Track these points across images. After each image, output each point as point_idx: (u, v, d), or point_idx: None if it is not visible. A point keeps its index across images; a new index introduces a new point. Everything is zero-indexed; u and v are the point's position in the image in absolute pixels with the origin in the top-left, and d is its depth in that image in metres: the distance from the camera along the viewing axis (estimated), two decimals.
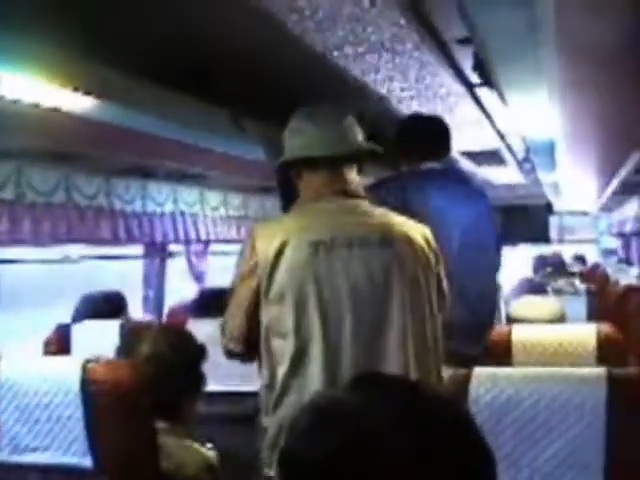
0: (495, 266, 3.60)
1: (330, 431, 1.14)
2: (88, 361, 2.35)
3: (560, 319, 3.59)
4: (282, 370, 2.59)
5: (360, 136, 2.94)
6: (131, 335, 2.83)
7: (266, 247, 2.64)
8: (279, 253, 2.61)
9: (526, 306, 3.68)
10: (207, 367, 2.83)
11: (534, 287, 5.72)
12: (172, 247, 5.79)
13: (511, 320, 3.58)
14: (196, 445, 2.59)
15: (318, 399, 1.22)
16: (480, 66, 3.63)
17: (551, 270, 8.63)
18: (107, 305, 4.36)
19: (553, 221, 16.58)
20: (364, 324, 2.58)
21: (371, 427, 1.13)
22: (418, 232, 2.75)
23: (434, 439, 1.13)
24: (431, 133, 3.78)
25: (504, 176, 9.02)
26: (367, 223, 2.71)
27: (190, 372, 2.75)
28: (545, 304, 3.75)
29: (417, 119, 3.98)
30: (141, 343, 2.72)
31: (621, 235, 14.72)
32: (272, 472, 2.51)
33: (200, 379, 2.78)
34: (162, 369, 2.64)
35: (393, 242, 2.68)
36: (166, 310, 5.56)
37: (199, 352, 2.79)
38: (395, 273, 2.63)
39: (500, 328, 3.25)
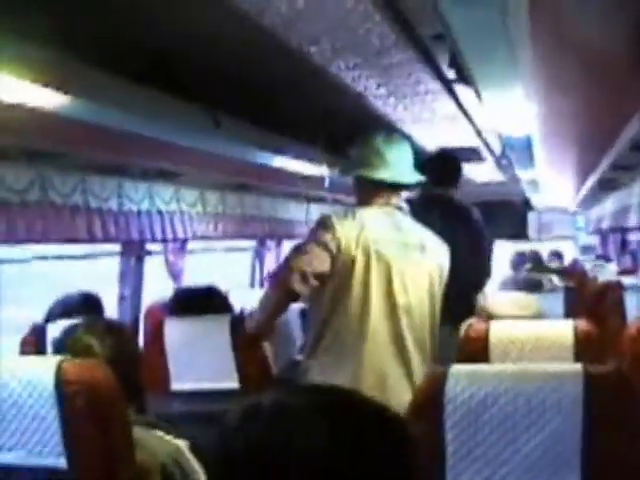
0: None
1: (250, 427, 1.16)
2: (63, 361, 2.33)
3: (538, 315, 3.59)
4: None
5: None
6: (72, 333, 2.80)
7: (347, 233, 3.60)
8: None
9: (504, 302, 3.68)
10: (183, 366, 2.83)
11: (526, 282, 5.71)
12: (150, 245, 5.77)
13: (491, 316, 3.57)
14: (163, 434, 2.58)
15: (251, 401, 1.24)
16: (456, 63, 3.64)
17: (530, 266, 8.66)
18: (82, 306, 4.34)
19: (532, 218, 16.65)
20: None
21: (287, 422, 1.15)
22: (437, 242, 3.89)
23: (347, 436, 1.15)
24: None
25: (482, 173, 9.03)
26: (412, 233, 3.81)
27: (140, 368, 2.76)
28: (523, 300, 3.75)
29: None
30: (100, 341, 2.70)
31: (599, 232, 14.78)
32: None
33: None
34: (122, 364, 2.64)
35: (425, 248, 3.79)
36: (143, 309, 5.54)
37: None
38: (428, 275, 3.77)
39: (477, 325, 3.24)
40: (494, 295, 3.82)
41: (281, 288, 3.57)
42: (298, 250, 3.60)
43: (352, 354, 3.54)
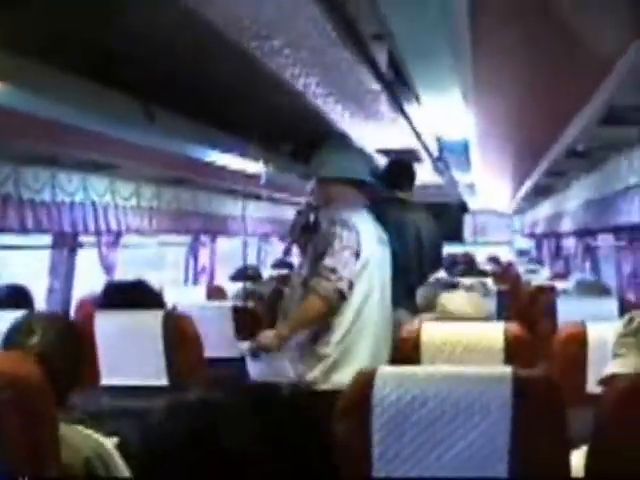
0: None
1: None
2: None
3: (489, 317, 3.59)
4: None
5: None
6: (20, 327, 2.76)
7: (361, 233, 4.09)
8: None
9: (456, 301, 3.66)
10: (113, 361, 2.79)
11: (446, 284, 5.72)
12: (83, 238, 5.69)
13: (443, 313, 3.55)
14: (89, 431, 2.55)
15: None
16: (394, 63, 3.64)
17: (463, 269, 8.70)
18: (11, 298, 4.26)
19: (468, 221, 16.78)
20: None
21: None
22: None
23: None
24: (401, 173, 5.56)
25: (420, 175, 9.06)
26: (379, 228, 4.35)
27: (76, 362, 2.72)
28: (479, 302, 3.76)
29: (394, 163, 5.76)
30: (31, 335, 2.67)
31: (533, 236, 14.96)
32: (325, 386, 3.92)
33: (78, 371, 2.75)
34: (53, 359, 2.60)
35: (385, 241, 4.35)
36: (74, 303, 5.47)
37: (81, 342, 2.76)
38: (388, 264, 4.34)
39: (409, 327, 3.25)
40: (450, 294, 3.81)
41: (337, 297, 3.96)
42: (339, 258, 3.97)
43: (371, 335, 4.13)
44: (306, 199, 4.53)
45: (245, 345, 4.20)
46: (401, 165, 5.71)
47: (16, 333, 2.74)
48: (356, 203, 4.30)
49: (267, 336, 4.05)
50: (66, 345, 2.69)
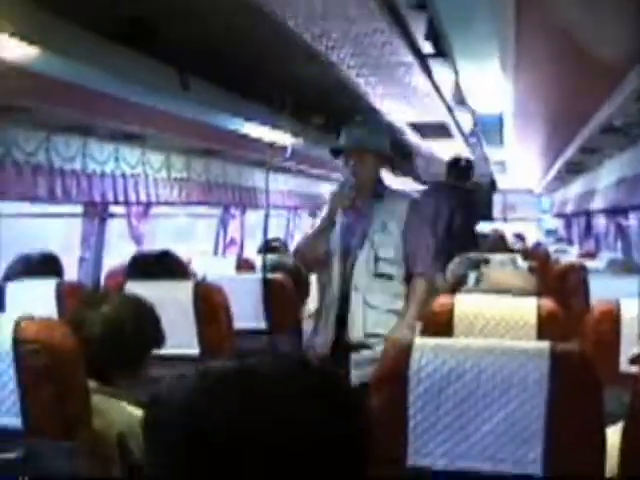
0: None
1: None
2: (21, 319, 2.28)
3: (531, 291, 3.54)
4: None
5: None
6: (90, 297, 2.81)
7: None
8: None
9: (505, 276, 3.62)
10: None
11: (476, 261, 5.69)
12: (114, 208, 5.69)
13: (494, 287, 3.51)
14: (128, 405, 2.56)
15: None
16: (433, 35, 3.59)
17: (491, 245, 8.65)
18: (41, 266, 4.27)
19: (497, 199, 16.71)
20: None
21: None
22: None
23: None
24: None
25: (450, 150, 9.02)
26: None
27: (139, 344, 2.74)
28: (524, 275, 3.73)
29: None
30: (102, 304, 2.72)
31: (562, 216, 14.86)
32: None
33: (143, 354, 2.78)
34: (112, 333, 2.64)
35: None
36: (105, 272, 5.48)
37: (153, 326, 2.79)
38: None
39: (442, 299, 3.22)
40: (494, 270, 3.79)
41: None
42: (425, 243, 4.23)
43: None
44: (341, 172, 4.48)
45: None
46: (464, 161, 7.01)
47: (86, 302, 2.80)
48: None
49: (404, 334, 3.93)
50: (133, 322, 2.73)
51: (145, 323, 2.78)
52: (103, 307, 2.72)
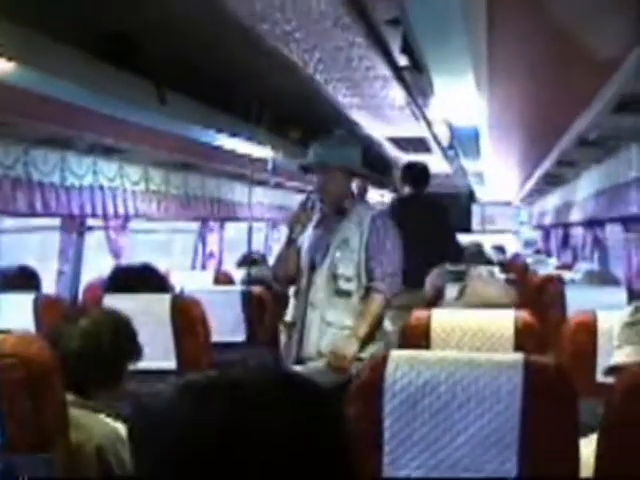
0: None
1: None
2: None
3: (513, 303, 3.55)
4: None
5: None
6: (69, 311, 2.82)
7: None
8: None
9: (488, 289, 3.62)
10: None
11: (454, 273, 5.71)
12: (92, 221, 5.68)
13: (474, 300, 3.52)
14: (107, 419, 2.56)
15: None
16: (409, 48, 3.62)
17: (470, 257, 8.67)
18: (19, 279, 4.27)
19: (475, 210, 16.77)
20: None
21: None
22: None
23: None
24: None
25: (429, 164, 9.04)
26: None
27: (116, 358, 2.75)
28: (505, 288, 3.73)
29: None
30: (80, 319, 2.74)
31: (541, 227, 14.93)
32: None
33: (121, 368, 2.78)
34: (90, 347, 2.65)
35: None
36: (83, 286, 5.46)
37: (130, 340, 2.80)
38: None
39: (419, 313, 3.23)
40: (476, 282, 3.79)
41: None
42: (394, 258, 4.16)
43: None
44: (313, 187, 4.39)
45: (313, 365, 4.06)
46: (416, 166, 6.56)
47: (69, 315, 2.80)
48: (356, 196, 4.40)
49: (349, 347, 3.97)
50: (112, 336, 2.74)
51: (122, 337, 2.79)
52: (81, 321, 2.72)
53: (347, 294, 4.08)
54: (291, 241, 4.19)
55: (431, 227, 6.20)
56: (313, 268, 4.13)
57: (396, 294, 4.15)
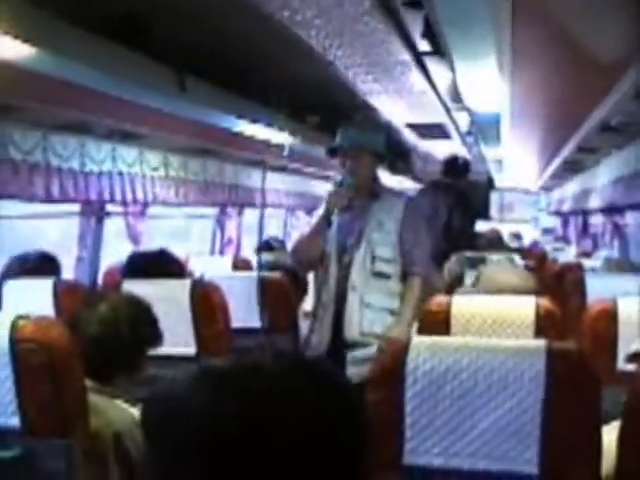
0: None
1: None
2: (18, 318, 2.29)
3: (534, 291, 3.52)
4: None
5: None
6: (89, 297, 2.82)
7: None
8: None
9: (504, 275, 3.59)
10: None
11: (473, 260, 5.70)
12: (111, 207, 5.69)
13: (490, 287, 3.49)
14: (124, 404, 2.56)
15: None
16: (430, 33, 3.59)
17: (488, 244, 8.66)
18: (39, 265, 4.27)
19: (494, 198, 16.73)
20: None
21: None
22: None
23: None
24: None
25: (447, 149, 9.03)
26: None
27: (135, 344, 2.74)
28: (523, 274, 3.71)
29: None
30: (99, 304, 2.74)
31: (559, 214, 14.87)
32: None
33: (139, 354, 2.78)
34: (108, 333, 2.64)
35: None
36: (102, 271, 5.47)
37: (150, 326, 2.79)
38: None
39: (439, 299, 3.21)
40: (490, 269, 3.77)
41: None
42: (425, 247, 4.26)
43: None
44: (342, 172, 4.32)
45: None
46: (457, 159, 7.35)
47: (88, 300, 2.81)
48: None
49: (403, 334, 3.90)
50: (130, 322, 2.73)
51: (141, 323, 2.78)
52: (100, 307, 2.73)
53: (385, 276, 4.13)
54: (328, 223, 4.16)
55: (459, 217, 6.92)
56: (344, 252, 4.14)
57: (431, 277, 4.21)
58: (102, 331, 2.67)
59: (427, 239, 4.24)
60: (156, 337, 2.83)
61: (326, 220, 4.13)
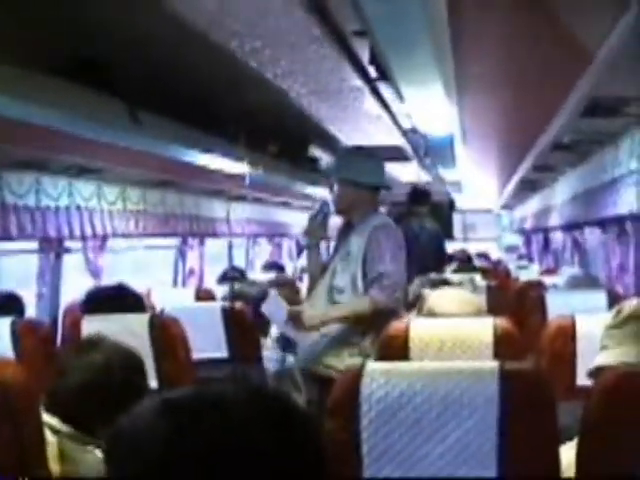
0: None
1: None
2: None
3: (480, 312, 3.54)
4: None
5: None
6: (79, 343, 2.80)
7: None
8: None
9: (441, 300, 3.61)
10: None
11: (434, 281, 5.72)
12: (70, 242, 5.66)
13: (429, 313, 3.52)
14: (99, 453, 2.52)
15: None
16: (376, 60, 3.62)
17: (458, 265, 8.71)
18: (3, 304, 4.24)
19: (456, 219, 16.82)
20: None
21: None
22: None
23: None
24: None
25: (407, 172, 9.08)
26: None
27: (126, 393, 2.70)
28: (465, 297, 3.72)
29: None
30: (91, 352, 2.67)
31: (522, 232, 14.97)
32: None
33: (128, 404, 2.73)
34: (102, 380, 2.60)
35: None
36: (63, 308, 5.44)
37: (141, 377, 2.75)
38: None
39: (397, 323, 3.22)
40: (434, 293, 3.77)
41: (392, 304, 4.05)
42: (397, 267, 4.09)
43: None
44: (322, 200, 4.49)
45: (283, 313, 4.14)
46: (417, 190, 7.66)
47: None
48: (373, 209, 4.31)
49: (312, 316, 4.03)
50: (122, 373, 2.69)
51: (133, 373, 2.74)
52: (91, 354, 2.68)
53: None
54: (316, 256, 4.33)
55: (427, 241, 7.35)
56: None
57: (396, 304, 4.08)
58: (93, 378, 2.61)
59: (395, 265, 4.07)
60: (146, 388, 2.78)
61: (315, 249, 4.31)
